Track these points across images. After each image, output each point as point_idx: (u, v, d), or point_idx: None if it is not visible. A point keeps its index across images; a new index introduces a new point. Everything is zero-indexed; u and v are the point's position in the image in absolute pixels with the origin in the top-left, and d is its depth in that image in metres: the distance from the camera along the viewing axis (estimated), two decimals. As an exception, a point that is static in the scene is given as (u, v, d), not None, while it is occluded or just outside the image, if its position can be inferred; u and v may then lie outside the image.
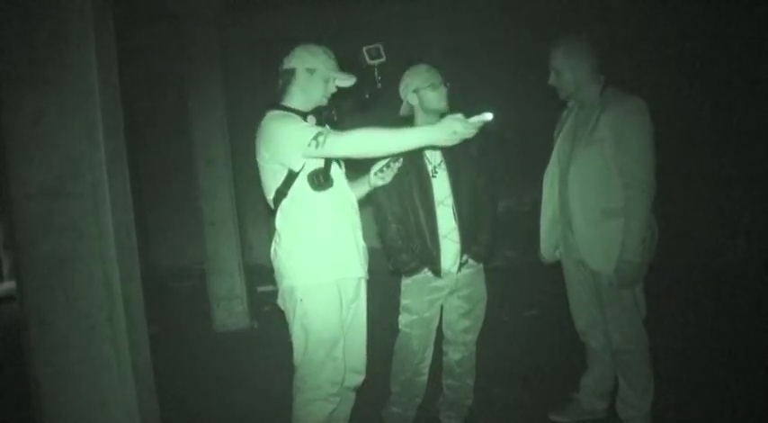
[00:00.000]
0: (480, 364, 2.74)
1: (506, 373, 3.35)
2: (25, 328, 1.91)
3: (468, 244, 2.52)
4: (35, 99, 1.86)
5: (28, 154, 1.87)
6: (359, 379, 2.32)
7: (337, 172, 2.18)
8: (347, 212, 2.20)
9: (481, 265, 2.64)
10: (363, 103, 2.22)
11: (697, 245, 5.31)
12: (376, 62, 2.13)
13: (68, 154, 1.89)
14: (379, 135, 1.97)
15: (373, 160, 2.32)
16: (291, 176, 2.08)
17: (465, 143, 1.95)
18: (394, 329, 2.65)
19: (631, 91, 2.44)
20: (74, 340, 1.92)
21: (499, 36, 6.46)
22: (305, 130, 2.02)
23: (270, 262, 2.24)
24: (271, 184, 2.13)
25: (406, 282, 2.59)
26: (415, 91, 2.48)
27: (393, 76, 2.42)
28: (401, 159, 2.31)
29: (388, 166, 2.30)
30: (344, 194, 2.21)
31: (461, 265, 2.53)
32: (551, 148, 2.66)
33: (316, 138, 1.97)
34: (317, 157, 2.06)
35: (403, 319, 2.62)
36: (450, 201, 2.50)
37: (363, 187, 2.38)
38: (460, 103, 2.12)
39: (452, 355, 2.68)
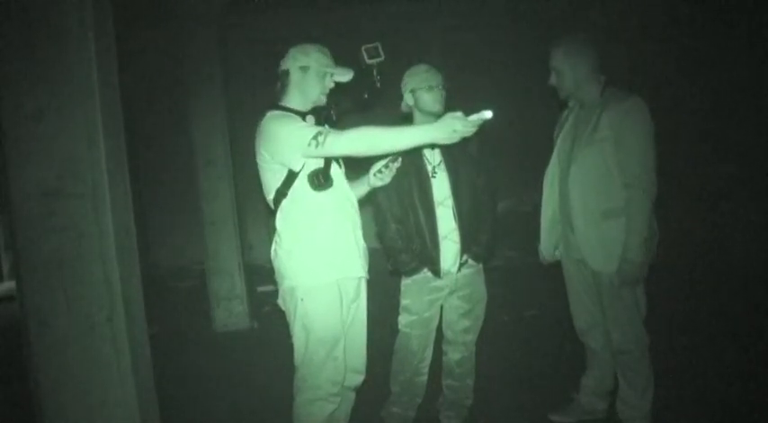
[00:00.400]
0: (480, 364, 2.74)
1: (506, 373, 3.35)
2: (25, 328, 1.91)
3: (468, 244, 2.52)
4: (35, 99, 1.86)
5: (28, 154, 1.87)
6: (359, 379, 2.33)
7: (337, 172, 2.18)
8: (347, 212, 2.20)
9: (481, 266, 2.64)
10: (363, 103, 2.22)
11: (697, 245, 5.30)
12: (375, 61, 2.13)
13: (68, 154, 1.89)
14: (379, 133, 1.97)
15: (373, 160, 2.32)
16: (291, 176, 2.09)
17: (464, 143, 1.95)
18: (394, 329, 2.66)
19: (631, 91, 2.45)
20: (74, 340, 1.92)
21: (499, 36, 6.47)
22: (304, 130, 2.02)
23: (270, 262, 2.24)
24: (271, 184, 2.13)
25: (405, 282, 2.59)
26: (412, 91, 2.48)
27: (393, 75, 2.42)
28: (400, 160, 2.31)
29: (386, 166, 2.30)
30: (344, 194, 2.21)
31: (461, 265, 2.54)
32: (551, 148, 2.66)
33: (315, 137, 1.97)
34: (316, 157, 2.06)
35: (403, 319, 2.62)
36: (449, 201, 2.50)
37: (363, 187, 2.38)
38: (460, 104, 2.11)
39: (452, 355, 2.68)
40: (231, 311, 4.66)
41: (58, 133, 1.88)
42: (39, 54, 1.86)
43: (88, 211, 1.90)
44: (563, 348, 3.39)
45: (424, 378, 2.69)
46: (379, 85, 2.17)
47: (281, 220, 2.15)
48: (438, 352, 2.71)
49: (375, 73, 2.15)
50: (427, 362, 2.67)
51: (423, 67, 2.50)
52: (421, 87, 2.46)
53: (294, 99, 2.18)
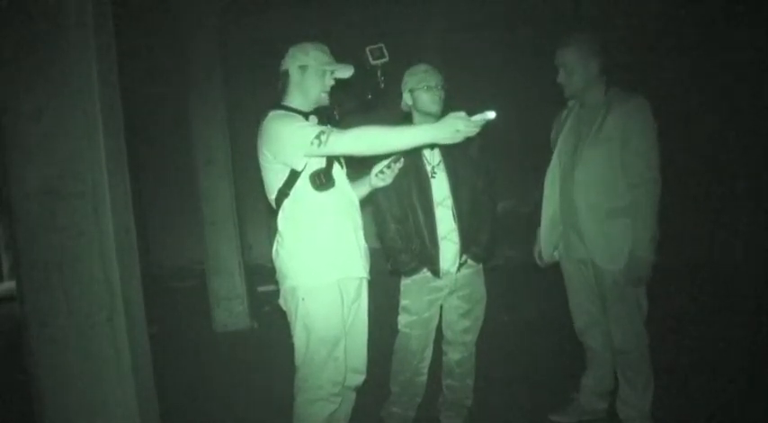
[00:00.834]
0: (480, 364, 2.74)
1: (506, 373, 3.35)
2: (25, 328, 1.92)
3: (468, 244, 2.52)
4: (35, 99, 1.86)
5: (28, 154, 1.87)
6: (360, 379, 2.32)
7: (339, 172, 2.18)
8: (349, 212, 2.20)
9: (480, 266, 2.64)
10: (366, 103, 2.22)
11: (697, 245, 5.31)
12: (379, 62, 2.13)
13: (68, 154, 1.89)
14: (382, 132, 1.96)
15: (374, 160, 2.32)
16: (293, 176, 2.08)
17: (465, 143, 1.94)
18: (393, 329, 2.65)
19: (633, 91, 2.45)
20: (74, 340, 1.92)
21: (499, 37, 6.47)
22: (307, 129, 2.01)
23: (270, 262, 2.24)
24: (273, 183, 2.13)
25: (405, 282, 2.59)
26: (411, 91, 2.49)
27: (393, 75, 2.42)
28: (402, 160, 2.30)
29: (389, 166, 2.30)
30: (346, 194, 2.21)
31: (461, 265, 2.53)
32: (550, 149, 2.66)
33: (318, 136, 1.97)
34: (319, 156, 2.06)
35: (402, 319, 2.62)
36: (449, 201, 2.50)
37: (364, 187, 2.38)
38: (460, 104, 2.11)
39: (452, 355, 2.68)
40: (231, 311, 4.66)
41: (58, 133, 1.88)
42: (39, 54, 1.86)
43: (88, 211, 1.90)
44: (563, 348, 3.39)
45: (424, 378, 2.69)
46: (382, 85, 2.17)
47: (282, 219, 2.15)
48: (438, 352, 2.71)
49: (379, 74, 2.14)
50: (427, 362, 2.67)
51: (422, 68, 2.50)
52: (419, 87, 2.46)
53: (295, 98, 2.18)
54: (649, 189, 2.34)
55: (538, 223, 2.72)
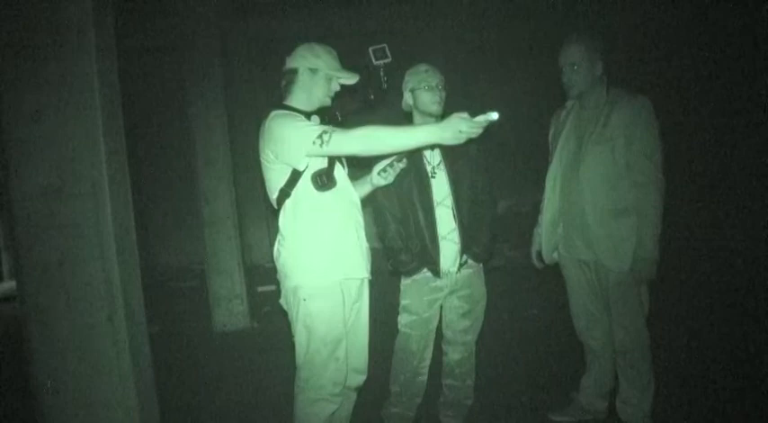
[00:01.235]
0: (480, 364, 2.74)
1: (506, 373, 3.35)
2: (25, 328, 1.92)
3: (468, 244, 2.52)
4: (35, 99, 1.86)
5: (28, 154, 1.87)
6: (361, 379, 2.32)
7: (341, 172, 2.18)
8: (350, 213, 2.20)
9: (481, 266, 2.64)
10: (368, 104, 2.21)
11: (697, 245, 5.31)
12: (382, 62, 2.12)
13: (68, 154, 1.89)
14: (385, 132, 1.96)
15: (375, 159, 2.32)
16: (295, 176, 2.08)
17: (465, 143, 1.94)
18: (394, 329, 2.65)
19: (634, 90, 2.45)
20: (74, 340, 1.92)
21: (500, 37, 6.47)
22: (309, 129, 2.01)
23: (270, 262, 2.23)
24: (274, 183, 2.12)
25: (405, 282, 2.59)
26: (412, 90, 2.48)
27: (395, 75, 2.41)
28: (405, 160, 2.30)
29: (391, 165, 2.30)
30: (348, 195, 2.20)
31: (461, 265, 2.53)
32: (549, 149, 2.66)
33: (320, 136, 1.96)
34: (321, 156, 2.06)
35: (402, 319, 2.62)
36: (449, 201, 2.50)
37: (366, 186, 2.38)
38: (460, 104, 2.11)
39: (452, 355, 2.68)
40: (231, 311, 4.66)
41: (58, 133, 1.88)
42: (39, 54, 1.86)
43: (88, 211, 1.90)
44: (563, 348, 3.39)
45: (424, 378, 2.69)
46: (385, 85, 2.16)
47: (284, 219, 2.15)
48: (438, 352, 2.71)
49: (382, 74, 2.14)
50: (427, 362, 2.67)
51: (422, 67, 2.50)
52: (420, 87, 2.46)
53: (299, 98, 2.17)
54: (655, 188, 2.35)
55: (534, 224, 2.72)
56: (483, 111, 1.84)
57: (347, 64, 2.20)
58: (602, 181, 2.42)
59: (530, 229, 2.81)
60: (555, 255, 2.68)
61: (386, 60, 2.12)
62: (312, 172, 2.08)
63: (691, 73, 5.59)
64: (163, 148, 6.62)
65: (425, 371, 2.67)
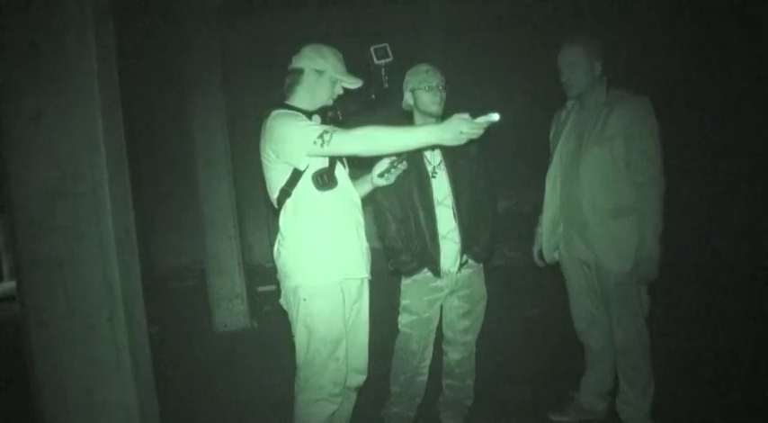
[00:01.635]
0: (480, 364, 2.74)
1: (506, 373, 3.35)
2: (25, 328, 1.92)
3: (468, 244, 2.52)
4: (35, 99, 1.86)
5: (28, 154, 1.87)
6: (361, 379, 2.32)
7: (341, 172, 2.18)
8: (351, 212, 2.20)
9: (481, 266, 2.64)
10: (369, 103, 2.21)
11: (698, 244, 5.31)
12: (383, 62, 2.11)
13: (68, 154, 1.89)
14: (386, 133, 1.96)
15: (376, 159, 2.32)
16: (296, 176, 2.08)
17: (466, 143, 1.94)
18: (394, 329, 2.66)
19: (635, 90, 2.45)
20: (74, 340, 1.92)
21: (500, 36, 6.47)
22: (310, 129, 2.01)
23: (270, 262, 2.24)
24: (275, 183, 2.12)
25: (405, 282, 2.59)
26: (412, 91, 2.49)
27: (396, 75, 2.41)
28: (405, 162, 2.30)
29: (394, 166, 2.30)
30: (348, 194, 2.20)
31: (461, 265, 2.53)
32: (549, 148, 2.66)
33: (321, 136, 1.96)
34: (322, 156, 2.06)
35: (403, 319, 2.62)
36: (449, 201, 2.50)
37: (366, 186, 2.38)
38: (461, 104, 2.11)
39: (452, 355, 2.68)
40: (231, 311, 4.66)
41: (59, 133, 1.88)
42: (39, 54, 1.86)
43: (88, 211, 1.90)
44: (563, 348, 3.39)
45: (424, 378, 2.69)
46: (386, 85, 2.16)
47: (284, 219, 2.15)
48: (438, 352, 2.71)
49: (383, 73, 2.13)
50: (427, 362, 2.67)
51: (423, 68, 2.50)
52: (420, 87, 2.46)
53: (302, 98, 2.17)
54: (655, 187, 2.35)
55: (537, 223, 2.72)
56: (484, 111, 1.84)
57: (349, 64, 2.20)
58: (601, 181, 2.42)
59: (530, 230, 2.81)
60: (556, 254, 2.68)
61: (387, 60, 2.11)
62: (313, 171, 2.08)
63: (691, 73, 5.59)
64: (163, 148, 6.61)
65: (425, 371, 2.67)
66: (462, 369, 2.69)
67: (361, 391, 2.37)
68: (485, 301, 2.66)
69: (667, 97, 4.88)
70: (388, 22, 6.28)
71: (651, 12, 5.68)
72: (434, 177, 2.50)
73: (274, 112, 2.10)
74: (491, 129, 1.87)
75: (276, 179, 2.12)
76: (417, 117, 2.52)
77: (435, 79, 2.46)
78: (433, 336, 2.64)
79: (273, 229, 2.25)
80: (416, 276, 2.54)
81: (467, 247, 2.52)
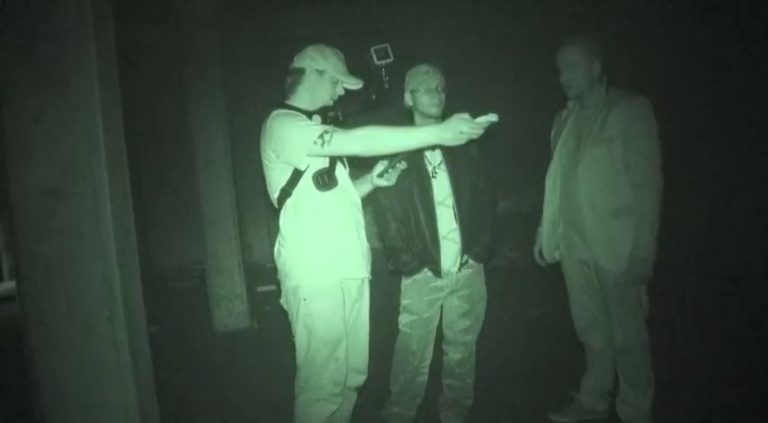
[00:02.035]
0: (480, 364, 2.74)
1: (507, 373, 3.35)
2: (25, 328, 1.91)
3: (469, 244, 2.52)
4: (35, 99, 1.86)
5: (28, 154, 1.87)
6: (361, 379, 2.32)
7: (342, 172, 2.18)
8: (351, 212, 2.20)
9: (481, 266, 2.64)
10: (369, 104, 2.21)
11: (697, 245, 5.31)
12: (384, 62, 2.11)
13: (68, 154, 1.89)
14: (386, 133, 1.95)
15: (376, 159, 2.32)
16: (296, 176, 2.08)
17: (466, 143, 1.94)
18: (394, 329, 2.66)
19: (634, 90, 2.45)
20: (74, 340, 1.92)
21: (500, 36, 6.46)
22: (310, 128, 2.01)
23: (270, 262, 2.24)
24: (275, 183, 2.12)
25: (406, 282, 2.59)
26: (412, 91, 2.48)
27: (396, 74, 2.41)
28: (404, 162, 2.30)
29: (393, 166, 2.29)
30: (349, 194, 2.20)
31: (461, 265, 2.53)
32: (550, 148, 2.66)
33: (321, 136, 1.96)
34: (322, 156, 2.06)
35: (403, 319, 2.62)
36: (450, 201, 2.50)
37: (366, 186, 2.38)
38: (461, 104, 2.11)
39: (452, 355, 2.68)
40: (231, 311, 4.66)
41: (59, 133, 1.88)
42: (39, 54, 1.86)
43: (88, 211, 1.90)
44: (563, 348, 3.39)
45: (425, 378, 2.69)
46: (387, 86, 2.15)
47: (284, 219, 2.15)
48: (438, 352, 2.71)
49: (384, 74, 2.13)
50: (427, 362, 2.67)
51: (422, 69, 2.49)
52: (419, 89, 2.46)
53: (302, 98, 2.17)
54: (653, 188, 2.35)
55: (538, 222, 2.72)
56: (484, 112, 1.84)
57: (350, 64, 2.20)
58: (600, 181, 2.42)
59: (530, 230, 2.81)
60: (556, 254, 2.69)
61: (388, 60, 2.11)
62: (313, 171, 2.08)
63: (691, 73, 5.58)
64: (163, 148, 6.61)
65: (426, 371, 2.68)
66: (462, 369, 2.69)
67: (361, 391, 2.37)
68: (485, 301, 2.66)
69: (667, 97, 4.88)
70: (388, 22, 6.28)
71: (651, 11, 5.68)
72: (435, 177, 2.50)
73: (274, 112, 2.10)
74: (491, 129, 1.87)
75: (276, 179, 2.11)
76: (417, 117, 2.52)
77: (434, 81, 2.45)
78: (433, 336, 2.64)
79: (273, 229, 2.25)
80: (417, 276, 2.54)
81: (467, 248, 2.52)
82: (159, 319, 4.52)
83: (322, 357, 2.12)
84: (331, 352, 2.12)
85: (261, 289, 5.36)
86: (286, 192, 2.11)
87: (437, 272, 2.51)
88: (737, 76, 5.28)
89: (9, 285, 6.80)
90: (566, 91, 2.49)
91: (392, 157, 2.27)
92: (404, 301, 2.61)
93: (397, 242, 2.50)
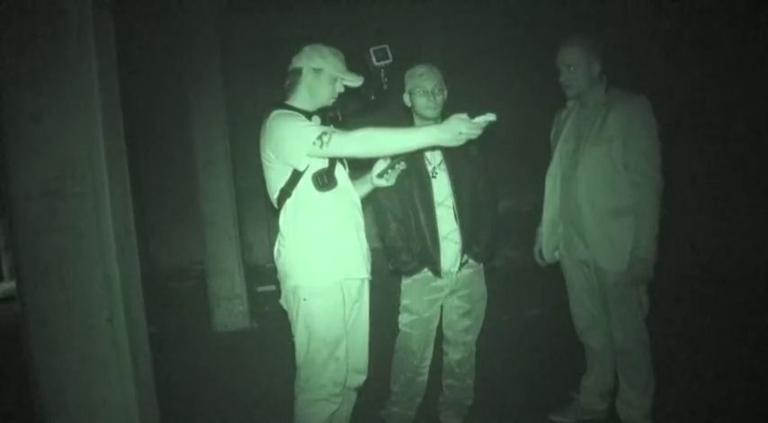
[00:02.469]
0: (480, 364, 2.74)
1: (507, 373, 3.35)
2: (25, 328, 1.91)
3: (469, 244, 2.52)
4: (35, 99, 1.86)
5: (28, 154, 1.87)
6: (361, 379, 2.33)
7: (341, 172, 2.18)
8: (351, 213, 2.20)
9: (481, 266, 2.64)
10: (369, 104, 2.21)
11: (697, 245, 5.30)
12: (383, 63, 2.11)
13: (68, 154, 1.89)
14: (385, 134, 1.95)
15: (376, 159, 2.31)
16: (296, 176, 2.08)
17: (466, 143, 1.94)
18: (394, 329, 2.66)
19: (633, 90, 2.45)
20: (74, 340, 1.92)
21: (500, 36, 6.46)
22: (309, 129, 2.01)
23: (270, 262, 2.24)
24: (275, 183, 2.12)
25: (406, 282, 2.59)
26: (410, 93, 2.48)
27: (395, 74, 2.41)
28: (403, 162, 2.30)
29: (392, 167, 2.29)
30: (348, 195, 2.20)
31: (462, 265, 2.53)
32: (550, 148, 2.66)
33: (320, 137, 1.96)
34: (321, 157, 2.06)
35: (403, 318, 2.62)
36: (450, 201, 2.50)
37: (366, 186, 2.38)
38: (461, 104, 2.11)
39: (452, 355, 2.68)
40: (231, 311, 4.66)
41: (58, 133, 1.88)
42: (39, 54, 1.86)
43: (88, 211, 1.90)
44: (563, 348, 3.39)
45: (425, 378, 2.69)
46: (386, 87, 2.15)
47: (284, 219, 2.15)
48: (438, 352, 2.71)
49: (382, 75, 2.12)
50: (427, 362, 2.67)
51: (419, 71, 2.47)
52: (415, 91, 2.45)
53: (302, 98, 2.17)
54: (652, 188, 2.35)
55: (538, 222, 2.72)
56: (482, 112, 1.84)
57: (349, 63, 2.20)
58: (599, 181, 2.42)
59: (530, 230, 2.81)
60: (556, 254, 2.69)
61: (387, 61, 2.10)
62: (313, 172, 2.08)
63: (691, 73, 5.58)
64: (163, 148, 6.61)
65: (426, 370, 2.68)
66: (462, 369, 2.69)
67: (361, 391, 2.37)
68: (485, 301, 2.66)
69: (667, 97, 4.88)
70: (389, 22, 6.28)
71: (651, 11, 5.68)
72: (435, 177, 2.50)
73: (274, 113, 2.11)
74: (489, 128, 1.88)
75: (276, 179, 2.12)
76: (416, 118, 2.52)
77: (431, 83, 2.44)
78: (433, 335, 2.64)
79: (273, 229, 2.25)
80: (417, 276, 2.54)
81: (467, 248, 2.52)
82: (159, 319, 4.51)
83: (322, 357, 2.12)
84: (331, 352, 2.12)
85: (261, 289, 5.36)
86: (286, 192, 2.11)
87: (437, 272, 2.51)
88: (737, 75, 5.28)
89: (9, 285, 6.79)
90: (565, 91, 2.49)
91: (392, 158, 2.27)
92: (404, 301, 2.61)
93: (397, 242, 2.50)
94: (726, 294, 4.52)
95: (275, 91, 2.27)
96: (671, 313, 3.99)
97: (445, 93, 2.48)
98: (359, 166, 2.35)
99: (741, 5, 5.10)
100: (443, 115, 2.37)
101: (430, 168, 2.51)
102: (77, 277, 1.90)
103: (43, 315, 1.90)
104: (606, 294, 2.50)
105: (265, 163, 2.13)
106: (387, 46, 2.11)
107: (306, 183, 2.09)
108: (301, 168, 2.06)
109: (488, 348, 2.87)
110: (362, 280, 2.26)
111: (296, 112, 2.11)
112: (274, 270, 2.24)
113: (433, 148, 2.50)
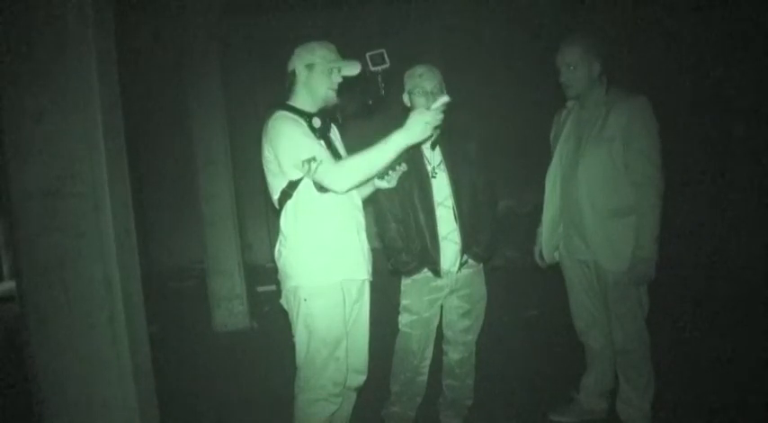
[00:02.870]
0: (480, 364, 2.74)
1: (506, 373, 3.35)
2: (25, 328, 1.91)
3: (469, 244, 2.52)
4: (35, 99, 1.86)
5: (28, 154, 1.87)
6: (361, 379, 2.33)
7: None
8: (352, 214, 2.20)
9: (481, 266, 2.64)
10: (366, 109, 2.21)
11: (697, 245, 5.31)
12: (379, 68, 2.09)
13: (68, 154, 1.89)
14: (363, 161, 2.00)
15: None
16: (295, 179, 2.09)
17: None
18: (394, 329, 2.66)
19: (634, 90, 2.45)
20: (74, 340, 1.92)
21: (499, 36, 6.47)
22: (303, 147, 2.01)
23: (270, 262, 2.24)
24: (275, 184, 2.12)
25: (405, 282, 2.59)
26: (409, 93, 2.48)
27: (395, 77, 2.41)
28: (404, 164, 2.30)
29: (393, 168, 2.29)
30: (349, 196, 2.20)
31: (461, 265, 2.53)
32: (550, 148, 2.66)
33: (309, 161, 1.98)
34: (306, 177, 2.06)
35: (403, 318, 2.62)
36: (449, 201, 2.50)
37: (366, 187, 2.38)
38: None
39: (452, 354, 2.68)
40: (231, 311, 4.66)
41: (59, 133, 1.88)
42: (39, 54, 1.86)
43: (88, 211, 1.90)
44: (563, 348, 3.39)
45: (425, 378, 2.69)
46: (383, 92, 2.14)
47: (285, 220, 2.15)
48: (438, 352, 2.71)
49: (380, 79, 2.12)
50: (427, 362, 2.67)
51: (418, 71, 2.47)
52: (414, 92, 2.45)
53: (302, 98, 2.17)
54: (653, 188, 2.35)
55: (538, 222, 2.72)
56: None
57: (343, 53, 2.19)
58: (600, 181, 2.42)
59: (530, 230, 2.81)
60: (556, 254, 2.69)
61: (384, 66, 2.08)
62: None
63: (691, 73, 5.58)
64: (163, 148, 6.61)
65: (426, 370, 2.68)
66: (462, 369, 2.69)
67: (361, 391, 2.37)
68: (485, 301, 2.66)
69: (667, 97, 4.88)
70: (388, 23, 6.28)
71: (650, 11, 5.68)
72: (435, 178, 2.50)
73: (275, 114, 2.11)
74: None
75: (276, 181, 2.12)
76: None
77: (430, 84, 2.43)
78: (433, 335, 2.64)
79: (273, 229, 2.25)
80: (416, 276, 2.54)
81: (467, 248, 2.52)
82: (159, 319, 4.51)
83: (322, 357, 2.12)
84: (331, 352, 2.12)
85: (261, 289, 5.36)
86: (286, 193, 2.11)
87: (437, 272, 2.51)
88: (737, 75, 5.28)
89: (9, 285, 6.79)
90: (565, 91, 2.49)
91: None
92: (404, 301, 2.61)
93: (397, 242, 2.50)
94: (726, 294, 4.52)
95: (275, 91, 2.26)
96: (671, 313, 3.99)
97: (445, 93, 2.47)
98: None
99: (741, 5, 5.10)
100: (444, 115, 2.36)
101: (430, 168, 2.51)
102: (77, 277, 1.90)
103: (43, 315, 1.90)
104: (606, 294, 2.50)
105: (266, 163, 2.13)
106: (384, 51, 2.08)
107: (307, 184, 2.08)
108: (294, 179, 2.06)
109: (488, 348, 2.87)
110: (363, 281, 2.26)
111: (298, 117, 2.10)
112: (274, 270, 2.24)
113: (432, 148, 2.50)
